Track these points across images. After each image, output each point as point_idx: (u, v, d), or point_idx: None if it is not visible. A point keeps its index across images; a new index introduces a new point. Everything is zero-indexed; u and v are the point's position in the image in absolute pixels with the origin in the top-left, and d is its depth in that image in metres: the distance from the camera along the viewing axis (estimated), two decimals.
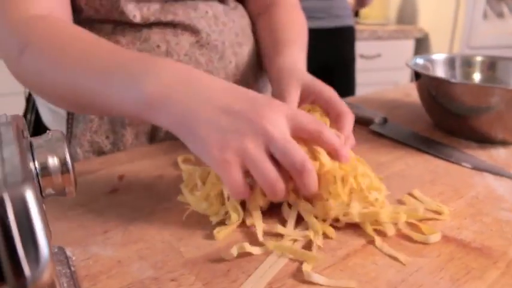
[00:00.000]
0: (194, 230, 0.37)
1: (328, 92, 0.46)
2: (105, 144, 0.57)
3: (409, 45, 2.18)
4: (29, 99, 0.64)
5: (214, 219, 0.38)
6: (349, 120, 0.44)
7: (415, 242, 0.35)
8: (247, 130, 0.34)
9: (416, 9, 2.23)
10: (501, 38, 2.14)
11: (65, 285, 0.27)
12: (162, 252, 0.34)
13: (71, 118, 0.55)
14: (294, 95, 0.46)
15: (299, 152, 0.34)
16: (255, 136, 0.34)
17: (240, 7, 0.64)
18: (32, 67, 0.43)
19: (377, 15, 2.24)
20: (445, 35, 2.10)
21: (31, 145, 0.22)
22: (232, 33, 0.59)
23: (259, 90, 0.66)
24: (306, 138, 0.37)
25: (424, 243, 0.35)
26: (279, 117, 0.35)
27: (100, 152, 0.57)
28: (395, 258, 0.33)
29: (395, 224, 0.37)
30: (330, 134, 0.37)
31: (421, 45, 2.20)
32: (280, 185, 0.34)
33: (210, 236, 0.36)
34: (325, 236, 0.36)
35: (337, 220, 0.37)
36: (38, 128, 0.62)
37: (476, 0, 2.02)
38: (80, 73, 0.40)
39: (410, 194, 0.43)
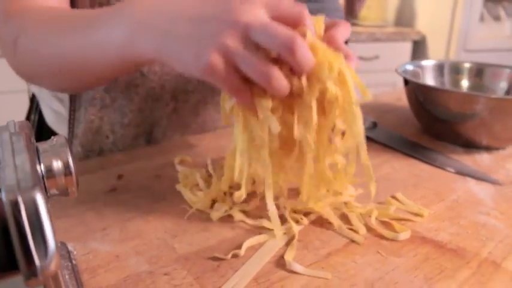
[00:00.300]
0: (188, 227, 0.39)
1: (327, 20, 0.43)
2: (105, 143, 0.59)
3: (407, 47, 2.19)
4: (33, 100, 0.66)
5: (215, 216, 0.40)
6: (343, 25, 0.39)
7: (394, 241, 0.38)
8: (222, 29, 0.32)
9: (414, 11, 2.25)
10: (498, 41, 2.16)
11: (67, 277, 0.30)
12: (157, 248, 0.36)
13: (72, 119, 0.57)
14: None
15: (283, 29, 0.32)
16: (232, 31, 0.32)
17: None
18: (26, 52, 0.45)
19: (375, 17, 2.26)
20: (442, 37, 2.12)
21: (37, 150, 0.24)
22: None
23: None
24: (289, 25, 0.34)
25: (402, 244, 0.37)
26: (254, 9, 0.33)
27: (100, 151, 0.59)
28: (369, 254, 0.36)
29: (369, 223, 0.40)
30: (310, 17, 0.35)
31: (419, 48, 2.22)
32: (274, 71, 0.32)
33: (203, 234, 0.38)
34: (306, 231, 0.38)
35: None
36: (41, 128, 0.64)
37: (473, 3, 2.04)
38: (66, 37, 0.41)
39: (393, 197, 0.45)
